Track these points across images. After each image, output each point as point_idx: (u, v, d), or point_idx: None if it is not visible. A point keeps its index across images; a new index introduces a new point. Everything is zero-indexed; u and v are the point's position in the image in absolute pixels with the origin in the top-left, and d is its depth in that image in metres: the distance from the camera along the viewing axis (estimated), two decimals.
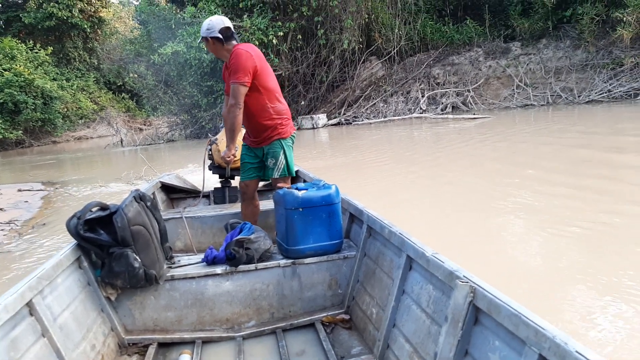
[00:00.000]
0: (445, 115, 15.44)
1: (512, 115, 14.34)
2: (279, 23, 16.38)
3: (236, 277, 2.59)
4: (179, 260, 2.71)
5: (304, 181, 4.01)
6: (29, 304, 1.86)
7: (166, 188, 4.45)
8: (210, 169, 4.15)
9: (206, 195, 4.44)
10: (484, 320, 1.55)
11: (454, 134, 12.53)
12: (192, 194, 4.60)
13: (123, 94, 35.27)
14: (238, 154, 3.81)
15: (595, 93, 14.44)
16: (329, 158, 10.59)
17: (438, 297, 1.84)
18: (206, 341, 2.49)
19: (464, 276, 1.66)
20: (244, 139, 3.44)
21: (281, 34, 16.32)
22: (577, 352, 1.13)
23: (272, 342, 2.47)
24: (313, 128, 16.95)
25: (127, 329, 2.48)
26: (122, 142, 21.48)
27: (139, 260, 2.36)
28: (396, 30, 17.82)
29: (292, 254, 2.66)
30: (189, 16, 16.20)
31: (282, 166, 3.21)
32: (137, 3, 28.49)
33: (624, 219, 4.62)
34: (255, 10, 16.15)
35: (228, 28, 3.09)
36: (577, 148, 8.56)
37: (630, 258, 3.77)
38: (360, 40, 17.73)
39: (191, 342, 2.47)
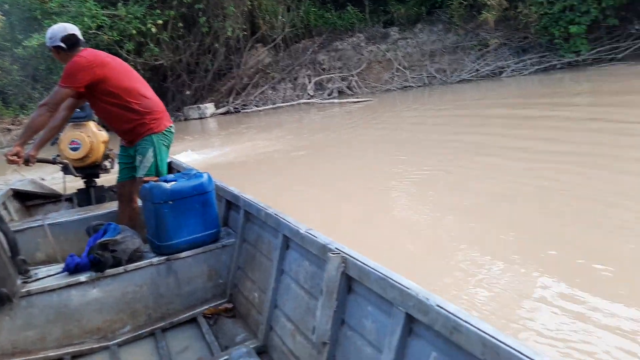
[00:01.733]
0: (332, 100, 15.75)
1: (393, 97, 15.00)
2: (158, 11, 15.64)
3: (104, 283, 2.42)
4: (37, 274, 2.47)
5: (177, 172, 3.83)
6: None
7: (20, 195, 4.05)
8: (62, 171, 3.84)
9: (69, 199, 4.11)
10: (356, 288, 1.60)
11: (340, 117, 12.84)
12: (51, 198, 4.21)
13: None
14: (79, 154, 3.71)
15: (466, 73, 15.49)
16: (217, 147, 10.38)
17: (314, 272, 1.87)
18: (77, 355, 2.31)
19: (335, 248, 1.70)
20: (120, 140, 3.29)
21: (160, 22, 15.62)
22: (437, 305, 1.20)
23: (151, 344, 2.37)
24: (200, 118, 16.50)
25: None
26: None
27: None
28: (280, 17, 17.77)
29: (165, 250, 2.54)
30: (55, 5, 14.93)
31: (150, 164, 3.04)
32: None
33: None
34: None
35: (72, 35, 2.95)
36: (439, 125, 9.17)
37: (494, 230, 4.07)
38: (245, 27, 17.48)
39: None
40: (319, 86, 17.08)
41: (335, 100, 15.63)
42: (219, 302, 2.62)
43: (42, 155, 3.15)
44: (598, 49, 13.91)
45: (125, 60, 15.09)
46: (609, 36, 14.07)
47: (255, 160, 8.44)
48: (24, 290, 2.32)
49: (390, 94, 15.77)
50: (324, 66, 17.57)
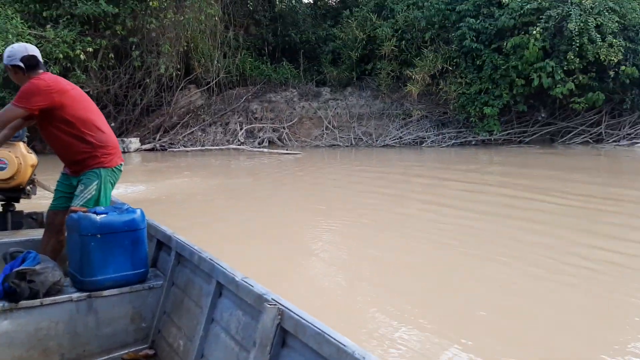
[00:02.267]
0: (261, 149, 15.91)
1: (321, 153, 15.51)
2: (89, 38, 15.09)
3: (17, 315, 2.23)
4: None
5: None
6: None
7: None
8: None
9: None
10: (291, 342, 1.55)
11: (269, 167, 12.98)
12: None
13: None
14: (5, 174, 3.46)
15: (390, 139, 16.51)
16: (139, 183, 9.97)
17: (247, 322, 1.81)
18: None
19: (272, 299, 1.66)
20: (64, 167, 3.13)
21: (90, 49, 15.04)
22: None
23: None
24: (124, 152, 15.79)
25: None
26: None
27: None
28: (215, 62, 17.93)
29: (87, 286, 2.38)
30: None
31: (90, 197, 2.87)
32: None
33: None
34: (61, 21, 14.66)
35: (32, 57, 2.84)
36: (361, 182, 9.64)
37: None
38: (179, 67, 17.38)
39: None
40: (250, 134, 17.23)
41: (265, 150, 15.81)
42: (140, 347, 2.50)
43: None
44: (509, 131, 15.59)
45: None
46: (518, 120, 15.89)
47: (177, 198, 8.26)
48: None
49: (319, 150, 16.30)
50: (256, 115, 17.82)
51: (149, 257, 2.67)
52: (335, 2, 23.58)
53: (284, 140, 17.12)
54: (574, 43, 13.42)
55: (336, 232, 5.88)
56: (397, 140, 16.41)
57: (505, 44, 14.52)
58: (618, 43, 13.49)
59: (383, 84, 17.34)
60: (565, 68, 13.79)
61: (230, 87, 18.87)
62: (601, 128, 14.84)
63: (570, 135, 15.04)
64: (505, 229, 5.81)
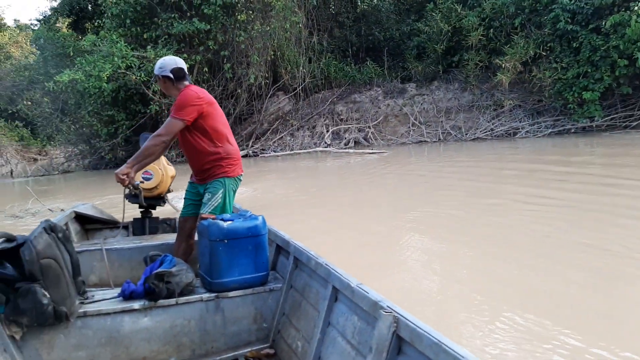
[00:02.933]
0: (347, 150, 16.12)
1: (408, 150, 15.33)
2: (185, 55, 16.32)
3: (155, 313, 2.45)
4: (93, 296, 2.52)
5: (233, 212, 3.99)
6: None
7: (81, 218, 4.18)
8: (126, 198, 3.94)
9: (125, 227, 4.20)
10: (406, 350, 1.56)
11: (355, 166, 13.13)
12: (109, 224, 4.36)
13: (16, 122, 32.78)
14: (151, 184, 3.88)
15: (480, 131, 15.88)
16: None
17: (363, 328, 1.83)
18: None
19: (387, 306, 1.67)
20: (190, 176, 3.39)
21: (187, 65, 16.25)
22: None
23: None
24: None
25: None
26: (12, 173, 19.86)
27: (48, 296, 2.19)
28: (301, 68, 18.47)
29: (215, 287, 2.57)
30: (88, 44, 15.67)
31: (217, 204, 3.10)
32: (36, 28, 27.04)
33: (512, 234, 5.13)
34: (160, 41, 16.01)
35: (180, 69, 3.13)
36: (465, 180, 9.37)
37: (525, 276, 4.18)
38: (267, 75, 18.15)
39: None
40: (336, 135, 17.52)
41: (351, 150, 15.99)
42: (262, 346, 2.61)
43: None
44: (612, 116, 14.30)
45: (151, 100, 15.83)
46: (622, 104, 14.50)
47: (276, 200, 8.67)
48: (81, 310, 2.36)
49: (406, 147, 16.12)
50: (341, 116, 18.08)
51: (270, 260, 2.82)
52: None
53: (370, 140, 17.18)
54: None
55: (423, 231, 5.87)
56: (488, 133, 15.75)
57: (604, 22, 13.33)
58: None
59: (471, 75, 16.75)
60: None
61: (316, 91, 19.34)
62: None
63: None
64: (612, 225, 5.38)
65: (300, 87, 18.75)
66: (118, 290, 2.56)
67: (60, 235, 2.42)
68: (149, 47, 15.89)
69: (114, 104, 16.27)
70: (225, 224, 2.58)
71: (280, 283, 2.71)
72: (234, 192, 3.21)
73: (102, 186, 12.84)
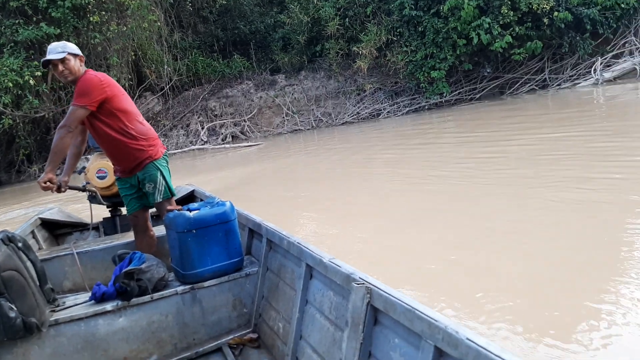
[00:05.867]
0: (224, 145, 16.21)
1: (284, 139, 15.87)
2: (36, 62, 15.07)
3: (130, 312, 2.41)
4: (64, 302, 2.46)
5: (201, 200, 3.80)
6: None
7: (48, 224, 4.06)
8: (89, 200, 3.77)
9: (95, 227, 4.10)
10: (382, 320, 1.57)
11: (233, 160, 13.32)
12: (79, 227, 4.24)
13: None
14: (106, 182, 3.76)
15: (348, 115, 16.92)
16: None
17: (339, 302, 1.84)
18: None
19: (359, 278, 1.68)
20: (114, 171, 3.28)
21: (39, 73, 15.03)
22: (467, 339, 1.17)
23: None
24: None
25: None
26: None
27: (15, 308, 2.13)
28: (166, 67, 18.02)
29: (190, 279, 2.54)
30: None
31: (163, 188, 3.05)
32: None
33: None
34: (5, 50, 14.63)
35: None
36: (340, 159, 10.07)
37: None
38: (131, 77, 17.45)
39: None
40: (212, 132, 17.48)
41: (227, 145, 16.13)
42: (244, 332, 2.61)
43: (71, 182, 3.16)
44: (459, 91, 16.11)
45: (2, 114, 14.44)
46: (466, 79, 16.40)
47: None
48: (52, 319, 2.30)
49: (282, 137, 16.65)
50: (215, 112, 18.03)
51: (243, 245, 2.77)
52: None
53: (247, 133, 17.42)
54: None
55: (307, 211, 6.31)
56: (355, 116, 16.83)
57: (442, 7, 14.92)
58: None
59: (334, 63, 17.66)
60: (501, 22, 14.29)
61: (185, 88, 19.02)
62: (545, 74, 15.42)
63: (517, 85, 15.60)
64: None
65: (168, 86, 18.31)
66: (89, 294, 2.50)
67: (19, 244, 2.37)
68: None
69: None
70: (191, 214, 2.54)
71: (256, 267, 2.70)
72: (167, 167, 3.13)
73: None
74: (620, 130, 8.02)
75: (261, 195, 7.85)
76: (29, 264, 2.35)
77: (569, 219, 4.34)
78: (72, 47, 2.91)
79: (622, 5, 14.27)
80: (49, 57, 2.85)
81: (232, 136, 17.33)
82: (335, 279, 1.84)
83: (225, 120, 17.69)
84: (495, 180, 6.09)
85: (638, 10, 14.73)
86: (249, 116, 17.82)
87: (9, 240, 2.32)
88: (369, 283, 1.62)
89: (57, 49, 2.87)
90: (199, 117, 17.92)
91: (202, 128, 17.43)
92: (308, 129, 17.03)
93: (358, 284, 1.64)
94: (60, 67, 2.85)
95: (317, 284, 2.06)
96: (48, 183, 2.86)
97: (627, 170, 5.49)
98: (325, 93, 17.96)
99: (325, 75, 18.43)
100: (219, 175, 11.03)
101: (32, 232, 3.71)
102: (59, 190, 2.98)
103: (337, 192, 7.12)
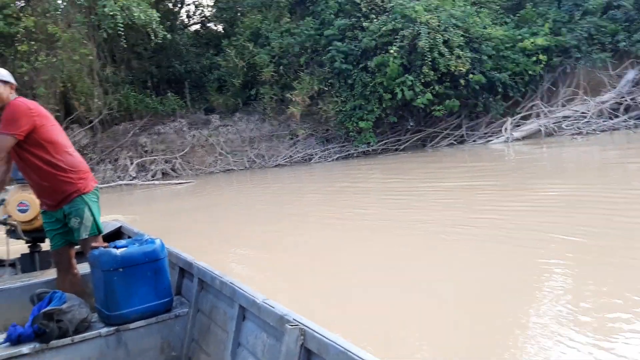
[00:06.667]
0: (153, 182, 16.04)
1: (216, 179, 15.99)
2: None
3: (49, 355, 2.25)
4: None
5: (129, 237, 3.68)
6: None
7: None
8: (7, 234, 3.60)
9: (12, 264, 3.87)
10: None
11: (162, 197, 13.23)
12: None
13: None
14: (28, 216, 3.56)
15: (281, 158, 17.43)
16: None
17: (272, 344, 1.81)
18: None
19: (293, 319, 1.66)
20: (40, 205, 3.11)
21: None
22: None
23: None
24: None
25: None
26: None
27: None
28: (96, 100, 17.70)
29: (114, 320, 2.41)
30: None
31: (90, 224, 2.88)
32: None
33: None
34: None
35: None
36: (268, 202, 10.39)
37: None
38: (58, 108, 16.95)
39: None
40: (142, 168, 17.24)
41: (157, 182, 15.98)
42: None
43: None
44: (385, 141, 17.19)
45: None
46: (392, 130, 17.56)
47: None
48: None
49: (214, 176, 16.77)
50: (146, 148, 17.85)
51: (173, 285, 2.66)
52: (216, 30, 24.21)
53: (178, 170, 17.36)
54: (426, 58, 15.30)
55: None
56: (288, 159, 17.36)
57: (370, 63, 16.10)
58: (465, 54, 15.59)
59: (268, 107, 18.26)
60: (423, 80, 15.63)
61: (115, 123, 18.72)
62: (462, 130, 16.90)
63: (437, 139, 16.93)
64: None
65: (97, 120, 17.94)
66: (4, 335, 2.36)
67: None
68: None
69: None
70: (118, 251, 2.44)
71: (186, 307, 2.61)
72: (97, 203, 3.01)
73: None
74: (513, 182, 9.18)
75: (190, 230, 8.01)
76: None
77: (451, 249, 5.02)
78: (3, 74, 2.84)
79: (530, 72, 16.18)
80: None
81: (163, 173, 17.20)
82: (269, 320, 1.81)
83: (156, 157, 17.55)
84: (408, 223, 6.80)
85: (544, 77, 16.75)
86: (181, 154, 17.81)
87: None
88: (303, 324, 1.60)
89: None
90: (128, 152, 17.64)
91: (132, 163, 17.15)
92: (241, 169, 17.29)
93: (292, 326, 1.62)
94: None
95: (250, 325, 2.02)
96: None
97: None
98: (260, 135, 18.41)
99: (259, 118, 18.93)
100: (148, 209, 10.97)
101: None
102: None
103: (268, 229, 7.48)
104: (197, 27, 24.92)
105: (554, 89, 16.80)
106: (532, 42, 15.92)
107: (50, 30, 15.63)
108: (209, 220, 9.21)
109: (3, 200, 3.58)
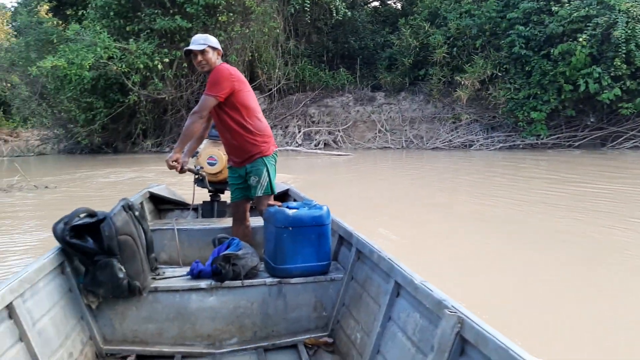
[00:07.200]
0: (316, 151, 17.16)
1: (373, 155, 16.47)
2: (166, 50, 16.97)
3: (221, 293, 2.54)
4: (164, 272, 2.65)
5: (294, 200, 3.98)
6: (9, 307, 1.84)
7: (154, 199, 4.37)
8: (195, 182, 3.91)
9: (195, 209, 4.34)
10: (470, 352, 1.53)
11: (322, 166, 14.16)
12: (180, 206, 4.54)
13: None
14: (215, 169, 3.94)
15: (440, 142, 17.18)
16: None
17: (425, 326, 1.82)
18: (186, 356, 2.44)
19: (452, 306, 1.65)
20: (227, 161, 3.45)
21: (167, 60, 16.90)
22: None
23: None
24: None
25: (106, 339, 2.43)
26: None
27: (124, 270, 2.34)
28: (277, 70, 19.38)
29: (279, 272, 2.64)
30: (72, 33, 16.16)
31: (266, 184, 3.18)
32: (12, 8, 26.96)
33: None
34: (142, 35, 16.63)
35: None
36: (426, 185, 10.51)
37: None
38: (244, 75, 18.91)
39: (170, 357, 2.44)
40: (307, 136, 18.53)
41: (319, 151, 17.04)
42: (321, 334, 2.65)
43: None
44: (558, 135, 15.80)
45: (130, 91, 16.45)
46: (567, 125, 16.03)
47: None
48: (152, 286, 2.48)
49: (371, 151, 17.28)
50: (313, 119, 19.10)
51: (331, 250, 2.81)
52: (395, 8, 24.44)
53: (338, 142, 18.26)
54: (620, 49, 13.53)
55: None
56: (446, 143, 17.06)
57: (553, 50, 14.79)
58: None
59: (435, 89, 18.03)
60: (612, 74, 13.89)
61: (290, 92, 20.31)
62: None
63: (620, 140, 15.00)
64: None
65: (275, 88, 19.67)
66: (187, 268, 2.68)
67: (136, 213, 2.57)
68: (131, 39, 16.46)
69: (93, 91, 16.80)
70: (290, 212, 2.66)
71: (341, 273, 2.73)
72: (274, 165, 3.28)
73: (78, 169, 13.48)
74: None
75: (343, 199, 8.54)
76: (141, 232, 2.53)
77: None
78: (213, 41, 3.12)
79: None
80: (191, 47, 3.07)
81: (325, 143, 18.25)
82: (425, 302, 1.82)
83: (321, 128, 18.68)
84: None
85: None
86: (344, 127, 18.67)
87: (129, 208, 2.51)
88: (461, 313, 1.59)
89: (200, 41, 3.09)
90: (297, 121, 19.07)
91: (299, 131, 18.54)
92: (397, 148, 17.51)
93: (450, 312, 1.61)
94: (199, 57, 3.06)
95: (404, 303, 2.03)
96: (174, 162, 3.05)
97: None
98: (421, 116, 18.36)
99: (424, 99, 18.83)
100: (309, 176, 11.90)
101: (141, 203, 3.94)
102: (181, 170, 3.14)
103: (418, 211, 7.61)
104: (377, 4, 25.45)
105: None
106: None
107: (247, 4, 17.44)
108: (359, 190, 9.68)
109: (197, 152, 3.92)
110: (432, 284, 1.87)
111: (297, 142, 18.14)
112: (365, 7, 24.44)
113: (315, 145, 17.99)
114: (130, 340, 2.44)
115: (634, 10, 13.67)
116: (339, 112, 19.31)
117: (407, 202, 8.20)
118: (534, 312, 3.70)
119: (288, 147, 17.82)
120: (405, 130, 18.12)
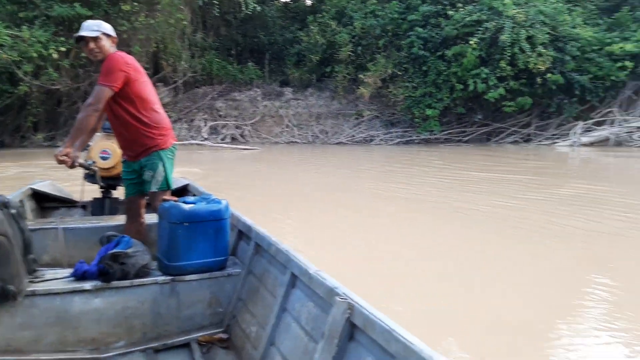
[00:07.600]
0: (222, 145, 17.10)
1: (280, 149, 16.74)
2: (63, 38, 16.03)
3: (108, 294, 2.40)
4: (44, 275, 2.45)
5: (193, 195, 3.84)
6: None
7: (38, 196, 4.09)
8: (85, 178, 3.73)
9: (83, 206, 4.08)
10: (358, 337, 1.58)
11: (228, 160, 14.17)
12: (67, 203, 4.26)
13: None
14: (108, 164, 3.73)
15: (344, 137, 17.84)
16: None
17: (317, 314, 1.85)
18: None
19: (343, 293, 1.68)
20: (122, 154, 3.30)
21: (63, 49, 15.97)
22: None
23: None
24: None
25: None
26: None
27: None
28: (183, 62, 19.00)
29: (172, 270, 2.53)
30: None
31: (161, 179, 3.05)
32: None
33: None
34: (37, 22, 15.60)
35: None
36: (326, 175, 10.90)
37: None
38: (148, 66, 18.39)
39: None
40: (214, 130, 18.39)
41: (225, 145, 17.01)
42: (215, 330, 2.60)
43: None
44: (449, 131, 17.03)
45: (20, 81, 15.35)
46: (458, 121, 17.34)
47: None
48: (29, 289, 2.29)
49: (278, 146, 17.55)
50: (220, 113, 18.98)
51: (230, 245, 2.76)
52: (305, 5, 24.79)
53: (246, 137, 18.33)
54: (505, 52, 14.90)
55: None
56: (350, 138, 17.75)
57: (447, 52, 15.93)
58: (547, 53, 14.98)
59: (340, 86, 18.67)
60: (498, 75, 15.27)
61: (196, 85, 19.99)
62: (530, 129, 16.35)
63: (503, 135, 16.51)
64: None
65: (181, 81, 19.28)
66: (70, 270, 2.51)
67: (13, 211, 2.36)
68: (24, 26, 15.39)
69: None
70: (186, 207, 2.55)
71: (239, 268, 2.70)
72: (172, 160, 3.15)
73: None
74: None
75: (249, 193, 8.72)
76: (17, 232, 2.33)
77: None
78: (107, 28, 2.96)
79: (612, 78, 15.26)
80: (82, 33, 2.87)
81: (232, 137, 18.23)
82: (318, 291, 1.85)
83: (228, 122, 18.62)
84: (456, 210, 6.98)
85: (627, 84, 15.71)
86: (252, 122, 18.75)
87: (4, 205, 2.30)
88: (352, 299, 1.63)
89: (92, 27, 2.90)
90: (203, 115, 18.85)
91: (205, 125, 18.34)
92: (304, 143, 17.92)
93: (341, 299, 1.65)
94: (92, 45, 2.88)
95: (299, 293, 2.06)
96: (64, 157, 2.83)
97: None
98: (327, 112, 18.92)
99: (330, 95, 19.41)
100: (213, 167, 11.90)
101: (21, 200, 3.72)
102: (72, 165, 2.92)
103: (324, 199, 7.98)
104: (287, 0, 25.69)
105: (635, 97, 15.71)
106: (620, 47, 15.00)
107: None
108: (263, 181, 9.91)
109: (88, 146, 3.68)
110: (326, 273, 1.90)
111: (202, 136, 17.94)
112: (276, 2, 24.59)
113: (222, 139, 17.91)
114: (3, 349, 2.26)
115: (519, 17, 15.09)
116: (246, 106, 19.35)
117: (308, 191, 8.59)
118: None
119: (193, 141, 17.58)
120: (312, 125, 18.58)
